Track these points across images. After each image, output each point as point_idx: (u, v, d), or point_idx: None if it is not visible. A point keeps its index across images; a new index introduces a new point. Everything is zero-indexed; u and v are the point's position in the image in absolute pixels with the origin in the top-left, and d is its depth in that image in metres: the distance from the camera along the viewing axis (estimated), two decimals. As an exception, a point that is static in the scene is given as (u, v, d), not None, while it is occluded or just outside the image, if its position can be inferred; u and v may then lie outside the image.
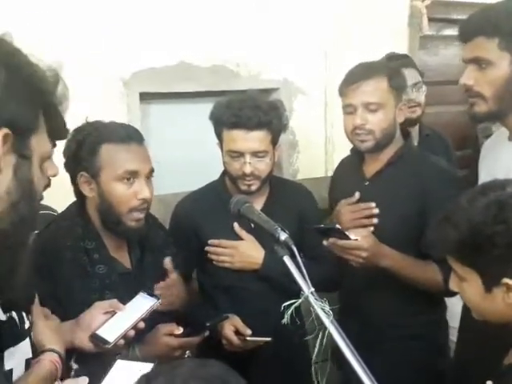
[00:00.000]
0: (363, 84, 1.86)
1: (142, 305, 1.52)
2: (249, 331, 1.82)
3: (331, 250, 1.76)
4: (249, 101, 1.89)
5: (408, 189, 1.89)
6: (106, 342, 1.43)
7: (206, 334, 1.62)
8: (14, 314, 0.92)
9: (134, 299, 1.53)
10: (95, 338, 1.44)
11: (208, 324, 1.62)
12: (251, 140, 1.85)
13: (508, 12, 1.54)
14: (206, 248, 1.94)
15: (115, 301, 1.51)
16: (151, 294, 1.56)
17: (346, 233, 1.69)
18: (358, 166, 2.03)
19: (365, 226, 1.87)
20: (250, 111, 1.84)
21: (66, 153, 1.62)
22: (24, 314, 0.96)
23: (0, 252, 0.80)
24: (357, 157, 2.04)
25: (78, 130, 1.61)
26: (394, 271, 1.80)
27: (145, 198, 1.59)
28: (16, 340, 0.92)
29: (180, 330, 1.56)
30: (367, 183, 1.98)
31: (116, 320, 1.48)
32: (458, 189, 1.80)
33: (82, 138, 1.58)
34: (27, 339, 0.95)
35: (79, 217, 1.64)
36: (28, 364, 0.95)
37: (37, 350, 1.04)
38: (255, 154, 1.86)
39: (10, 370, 0.89)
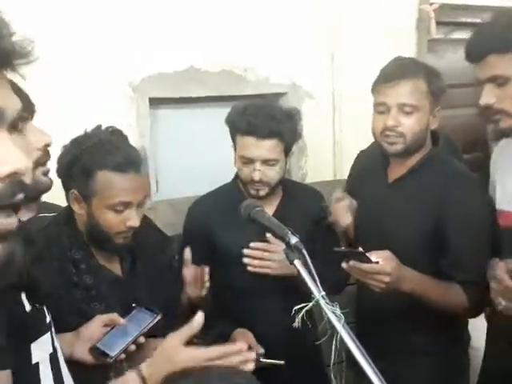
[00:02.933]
0: (401, 83, 1.76)
1: (142, 319, 1.52)
2: (261, 350, 1.82)
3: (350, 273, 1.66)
4: (264, 109, 1.90)
5: (428, 198, 1.79)
6: (106, 355, 1.43)
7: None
8: (37, 306, 0.93)
9: (133, 313, 1.53)
10: (95, 351, 1.44)
11: (199, 339, 1.60)
12: (262, 148, 1.87)
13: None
14: (244, 258, 1.88)
15: (115, 315, 1.50)
16: (151, 309, 1.54)
17: (368, 254, 1.57)
18: (382, 169, 1.95)
19: None
20: (263, 120, 1.85)
21: (59, 160, 1.57)
22: (45, 308, 0.97)
23: None
24: (383, 159, 1.94)
25: (75, 143, 1.55)
26: (416, 295, 1.70)
27: (132, 227, 1.57)
28: (41, 332, 0.92)
29: None
30: (387, 189, 1.91)
31: (116, 334, 1.48)
32: (480, 201, 1.76)
33: (79, 154, 1.52)
34: (49, 333, 0.96)
35: (66, 226, 1.62)
36: (53, 360, 0.95)
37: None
38: (265, 161, 1.89)
39: (37, 364, 0.89)
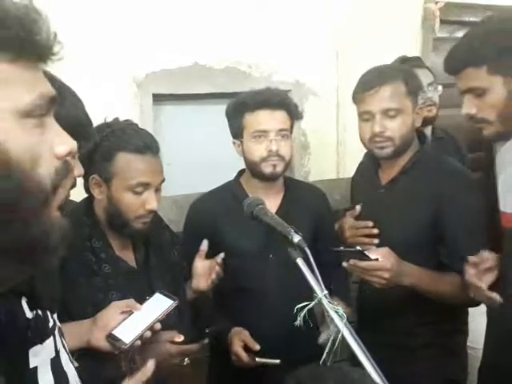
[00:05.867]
0: (381, 90, 1.81)
1: (158, 305, 1.52)
2: (257, 346, 1.82)
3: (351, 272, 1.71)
4: (268, 88, 1.99)
5: (423, 196, 1.83)
6: (122, 342, 1.43)
7: (206, 341, 1.60)
8: (39, 312, 0.92)
9: (150, 299, 1.53)
10: (112, 338, 1.44)
11: (207, 331, 1.60)
12: (275, 118, 1.91)
13: (487, 38, 1.55)
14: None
15: (132, 300, 1.51)
16: (168, 295, 1.55)
17: (366, 253, 1.62)
18: (374, 172, 1.99)
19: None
20: (271, 93, 1.94)
21: (81, 149, 1.62)
22: (48, 313, 0.96)
23: None
24: (373, 163, 1.99)
25: (96, 130, 1.58)
26: (418, 289, 1.74)
27: (152, 210, 1.61)
28: (42, 338, 0.92)
29: (180, 338, 1.54)
30: (382, 190, 1.94)
31: (133, 320, 1.48)
32: (472, 193, 1.80)
33: (99, 140, 1.57)
34: (51, 338, 0.96)
35: (86, 216, 1.65)
36: (54, 363, 0.95)
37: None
38: (279, 132, 1.91)
39: (35, 368, 0.90)
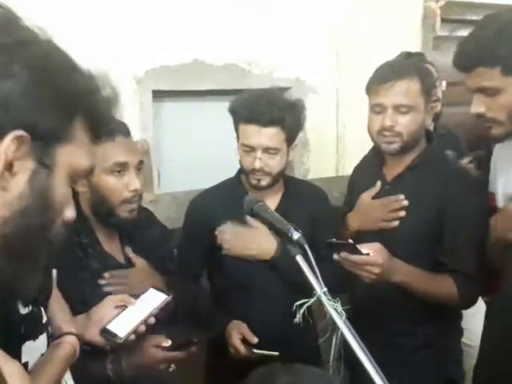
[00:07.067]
0: (396, 84, 1.79)
1: (152, 300, 1.53)
2: (255, 339, 1.82)
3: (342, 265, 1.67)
4: (265, 96, 1.89)
5: (429, 193, 1.83)
6: (117, 336, 1.43)
7: (193, 349, 1.58)
8: (34, 308, 0.93)
9: (144, 294, 1.54)
10: (106, 333, 1.45)
11: (196, 340, 1.58)
12: (263, 136, 1.86)
13: (500, 37, 1.49)
14: (217, 232, 1.89)
15: (126, 295, 1.52)
16: (162, 290, 1.56)
17: (358, 247, 1.60)
18: (378, 168, 1.97)
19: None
20: (264, 107, 1.85)
21: None
22: (42, 309, 0.97)
23: (3, 258, 0.76)
24: (377, 158, 1.97)
25: None
26: (406, 286, 1.73)
27: (136, 190, 1.61)
28: (35, 334, 0.93)
29: (168, 343, 1.53)
30: (388, 187, 1.93)
31: (127, 315, 1.49)
32: (477, 193, 1.80)
33: None
34: (44, 334, 0.96)
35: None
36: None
37: (52, 336, 1.04)
38: (266, 150, 1.87)
39: (26, 363, 0.90)
